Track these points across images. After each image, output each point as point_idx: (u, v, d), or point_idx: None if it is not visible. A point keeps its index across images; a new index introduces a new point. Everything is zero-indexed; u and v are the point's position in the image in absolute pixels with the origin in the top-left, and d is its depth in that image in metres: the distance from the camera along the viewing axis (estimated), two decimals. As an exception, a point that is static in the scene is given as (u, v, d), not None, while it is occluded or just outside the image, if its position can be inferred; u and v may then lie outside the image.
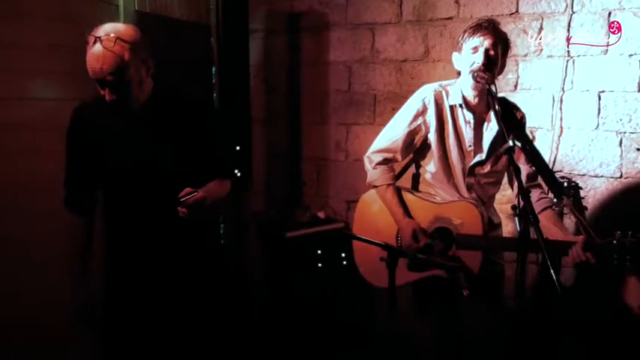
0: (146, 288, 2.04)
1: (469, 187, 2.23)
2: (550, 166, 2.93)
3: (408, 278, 2.18)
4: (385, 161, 2.32)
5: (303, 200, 3.77)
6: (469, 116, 2.19)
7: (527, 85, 2.99)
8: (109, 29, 1.81)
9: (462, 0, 3.09)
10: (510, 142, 1.80)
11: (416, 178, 2.39)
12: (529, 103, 2.96)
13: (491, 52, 2.07)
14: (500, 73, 2.15)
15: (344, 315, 3.19)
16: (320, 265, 3.26)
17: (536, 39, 2.91)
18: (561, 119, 2.90)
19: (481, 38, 2.07)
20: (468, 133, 2.20)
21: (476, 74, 2.05)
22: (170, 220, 1.88)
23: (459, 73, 2.20)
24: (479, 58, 2.07)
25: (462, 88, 2.19)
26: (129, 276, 2.05)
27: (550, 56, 2.90)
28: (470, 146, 2.20)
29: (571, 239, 2.03)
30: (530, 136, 2.98)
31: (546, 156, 2.93)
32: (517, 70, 3.00)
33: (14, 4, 2.68)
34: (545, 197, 2.22)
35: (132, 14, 3.26)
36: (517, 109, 2.28)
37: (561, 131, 2.91)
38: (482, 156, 2.20)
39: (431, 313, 2.30)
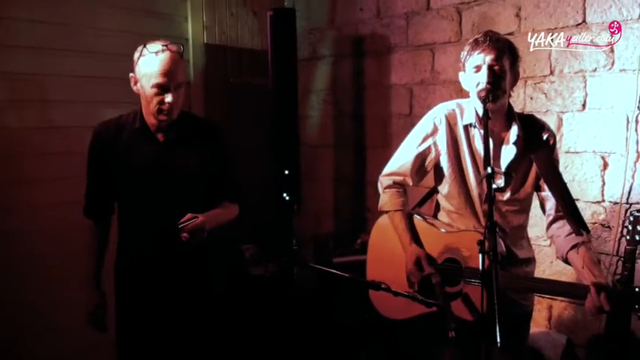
0: (154, 298, 2.11)
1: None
2: (625, 198, 2.52)
3: (421, 310, 1.99)
4: (395, 185, 2.20)
5: (368, 226, 3.68)
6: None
7: (597, 104, 2.61)
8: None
9: (523, 13, 2.82)
10: (489, 169, 1.61)
11: (438, 205, 2.22)
12: (599, 125, 2.60)
13: (496, 68, 1.87)
14: (514, 84, 1.95)
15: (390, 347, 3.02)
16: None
17: (606, 51, 2.54)
18: (637, 142, 2.49)
19: (482, 55, 1.88)
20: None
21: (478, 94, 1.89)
22: (178, 238, 1.94)
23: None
24: (482, 78, 1.88)
25: (475, 107, 2.01)
26: (137, 285, 2.14)
27: (623, 70, 2.51)
28: None
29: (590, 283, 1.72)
30: (602, 162, 2.60)
31: (619, 186, 2.53)
32: (585, 87, 2.64)
33: (89, 44, 3.05)
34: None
35: (201, 46, 3.52)
36: (545, 129, 2.02)
37: (638, 157, 2.49)
38: (501, 183, 1.98)
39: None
